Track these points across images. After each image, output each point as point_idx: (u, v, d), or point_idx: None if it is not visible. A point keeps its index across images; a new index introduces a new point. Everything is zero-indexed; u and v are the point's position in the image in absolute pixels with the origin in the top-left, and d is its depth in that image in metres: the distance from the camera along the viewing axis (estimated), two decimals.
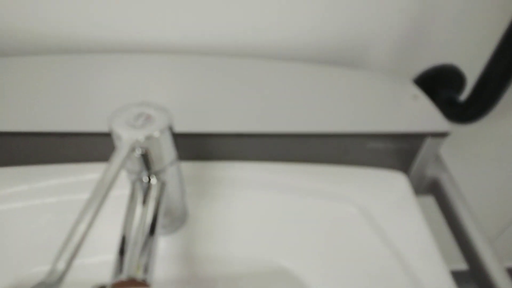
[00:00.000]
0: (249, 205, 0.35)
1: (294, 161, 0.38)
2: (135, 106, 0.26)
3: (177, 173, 0.28)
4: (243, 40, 0.45)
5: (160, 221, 0.26)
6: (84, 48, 0.44)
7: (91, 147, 0.34)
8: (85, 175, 0.34)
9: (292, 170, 0.37)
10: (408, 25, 0.46)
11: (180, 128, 0.33)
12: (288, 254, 0.32)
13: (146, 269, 0.23)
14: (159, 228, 0.25)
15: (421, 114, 0.40)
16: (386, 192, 0.39)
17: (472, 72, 0.52)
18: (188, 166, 0.36)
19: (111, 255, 0.25)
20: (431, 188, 0.45)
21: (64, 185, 0.34)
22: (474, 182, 0.72)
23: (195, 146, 0.35)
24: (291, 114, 0.37)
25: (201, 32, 0.44)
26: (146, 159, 0.25)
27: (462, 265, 0.39)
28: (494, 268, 0.34)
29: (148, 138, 0.24)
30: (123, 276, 0.22)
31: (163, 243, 0.32)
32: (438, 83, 0.52)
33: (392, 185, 0.40)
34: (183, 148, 0.35)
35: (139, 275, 0.22)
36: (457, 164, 0.68)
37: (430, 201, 0.45)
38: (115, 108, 0.25)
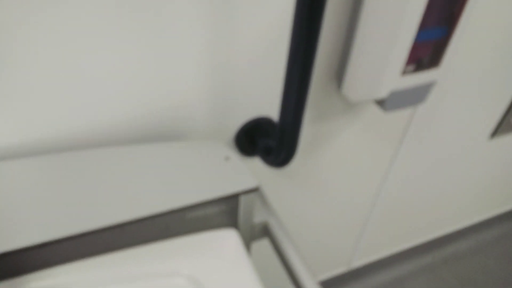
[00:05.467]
0: None
1: (116, 250, 0.39)
2: None
3: None
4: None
5: None
6: None
7: None
8: None
9: (115, 259, 0.38)
10: (216, 90, 0.52)
11: None
12: None
13: None
14: None
15: (233, 174, 0.45)
16: (216, 252, 0.42)
17: None
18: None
19: None
20: (263, 232, 0.50)
21: None
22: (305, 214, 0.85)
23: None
24: (104, 205, 0.38)
25: None
26: None
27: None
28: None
29: None
30: None
31: None
32: (257, 134, 0.58)
33: (222, 244, 0.43)
34: None
35: None
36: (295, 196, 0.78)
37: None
38: None
